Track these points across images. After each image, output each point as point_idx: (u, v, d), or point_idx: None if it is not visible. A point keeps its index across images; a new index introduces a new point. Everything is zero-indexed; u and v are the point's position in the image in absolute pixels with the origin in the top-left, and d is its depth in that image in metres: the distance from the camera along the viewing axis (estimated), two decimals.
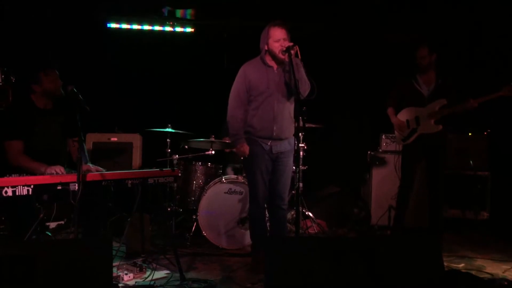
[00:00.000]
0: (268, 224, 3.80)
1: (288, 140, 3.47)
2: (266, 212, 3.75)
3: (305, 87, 3.25)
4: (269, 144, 3.42)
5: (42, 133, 3.29)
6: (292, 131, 3.27)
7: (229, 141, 4.74)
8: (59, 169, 3.02)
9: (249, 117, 3.44)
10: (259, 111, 3.39)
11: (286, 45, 3.18)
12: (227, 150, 5.06)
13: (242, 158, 3.52)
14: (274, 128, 3.37)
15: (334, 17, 5.65)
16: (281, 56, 3.26)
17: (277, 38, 3.27)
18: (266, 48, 3.35)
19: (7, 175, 2.68)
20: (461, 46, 5.40)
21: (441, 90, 4.12)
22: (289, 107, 3.43)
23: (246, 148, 3.42)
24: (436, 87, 4.15)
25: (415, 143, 4.24)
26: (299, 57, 3.15)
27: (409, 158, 4.31)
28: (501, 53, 5.18)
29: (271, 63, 3.40)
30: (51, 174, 2.91)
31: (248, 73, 3.40)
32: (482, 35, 5.37)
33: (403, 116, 4.31)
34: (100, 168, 3.22)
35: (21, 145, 3.18)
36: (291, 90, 3.34)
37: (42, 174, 2.95)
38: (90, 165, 3.25)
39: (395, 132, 4.43)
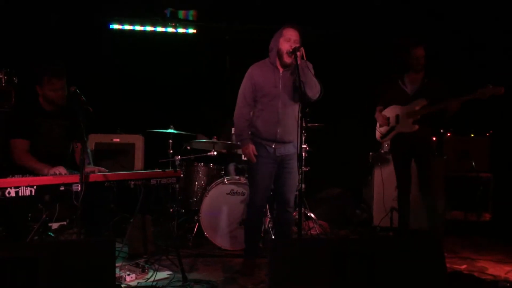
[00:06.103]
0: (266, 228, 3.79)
1: (293, 143, 3.40)
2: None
3: (314, 91, 3.21)
4: (273, 146, 3.37)
5: (45, 135, 3.29)
6: (296, 134, 3.20)
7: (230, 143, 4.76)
8: (60, 169, 3.03)
9: (254, 119, 3.40)
10: (263, 113, 3.35)
11: (293, 47, 3.13)
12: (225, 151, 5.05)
13: (246, 159, 3.47)
14: (278, 130, 3.32)
15: (338, 21, 5.65)
16: (287, 57, 3.22)
17: (289, 38, 3.22)
18: (275, 47, 3.29)
19: (10, 176, 2.68)
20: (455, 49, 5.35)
21: (425, 90, 4.06)
22: (294, 110, 3.31)
23: (251, 149, 3.35)
24: (421, 87, 4.10)
25: (398, 144, 4.21)
26: (305, 58, 3.10)
27: (396, 160, 4.27)
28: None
29: (279, 65, 3.34)
30: (54, 175, 2.92)
31: (254, 74, 3.38)
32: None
33: (387, 114, 4.30)
34: (103, 169, 3.22)
35: (26, 144, 3.19)
36: (297, 93, 3.25)
37: (45, 175, 2.95)
38: (93, 166, 3.25)
39: (376, 130, 4.42)
